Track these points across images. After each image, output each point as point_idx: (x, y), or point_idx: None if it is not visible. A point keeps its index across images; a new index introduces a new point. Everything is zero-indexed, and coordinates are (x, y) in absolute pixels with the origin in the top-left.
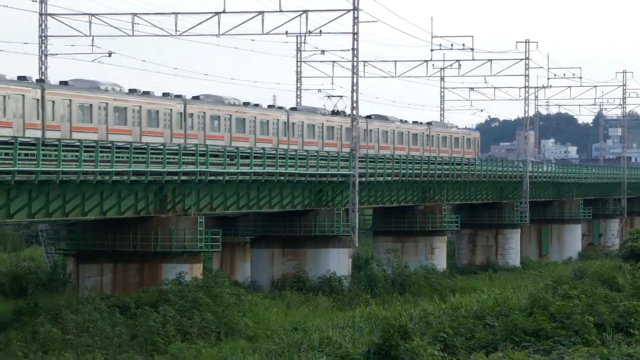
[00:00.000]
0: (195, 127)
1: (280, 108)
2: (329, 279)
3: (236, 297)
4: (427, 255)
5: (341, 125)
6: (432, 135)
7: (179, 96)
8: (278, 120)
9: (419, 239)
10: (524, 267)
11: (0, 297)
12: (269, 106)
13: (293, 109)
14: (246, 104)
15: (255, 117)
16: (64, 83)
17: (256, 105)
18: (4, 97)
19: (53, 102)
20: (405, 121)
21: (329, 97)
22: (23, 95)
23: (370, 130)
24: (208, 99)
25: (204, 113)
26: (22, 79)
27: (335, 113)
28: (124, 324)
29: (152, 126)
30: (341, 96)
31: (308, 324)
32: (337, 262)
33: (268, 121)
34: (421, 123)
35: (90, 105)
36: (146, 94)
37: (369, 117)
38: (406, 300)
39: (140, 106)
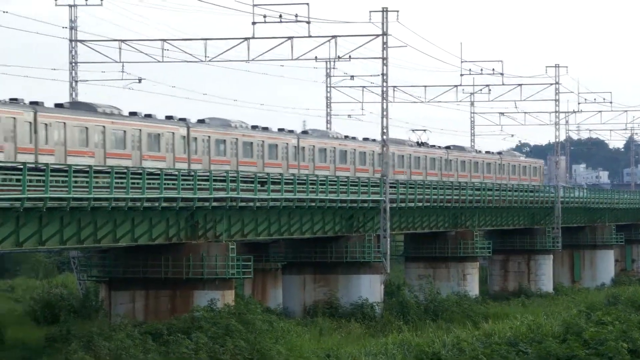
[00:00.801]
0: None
1: (291, 131)
2: (361, 305)
3: (268, 323)
4: (459, 282)
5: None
6: (504, 164)
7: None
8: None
9: (450, 264)
10: (556, 293)
11: (33, 324)
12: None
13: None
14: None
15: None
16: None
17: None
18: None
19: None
20: (480, 151)
21: (413, 130)
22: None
23: (451, 160)
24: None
25: (209, 137)
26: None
27: (420, 144)
28: (157, 350)
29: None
30: (425, 129)
31: (340, 351)
32: (369, 288)
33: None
34: (493, 153)
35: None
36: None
37: (448, 147)
38: (439, 326)
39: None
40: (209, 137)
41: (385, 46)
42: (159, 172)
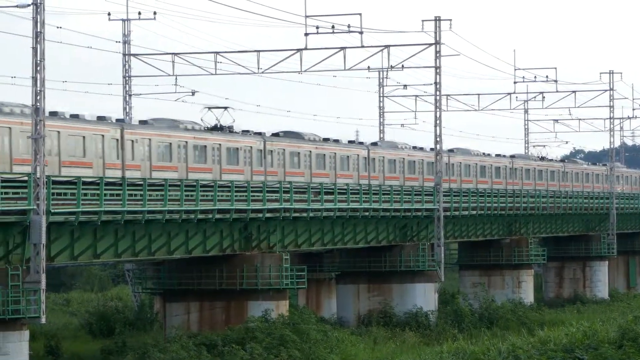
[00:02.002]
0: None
1: (361, 143)
2: (415, 314)
3: (323, 333)
4: (513, 289)
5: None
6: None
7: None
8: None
9: (505, 272)
10: (612, 300)
11: (88, 336)
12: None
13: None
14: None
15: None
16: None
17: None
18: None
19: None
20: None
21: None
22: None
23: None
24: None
25: (284, 150)
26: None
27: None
28: None
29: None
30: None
31: None
32: (423, 297)
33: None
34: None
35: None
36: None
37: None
38: (494, 334)
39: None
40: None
41: (438, 55)
42: (212, 183)
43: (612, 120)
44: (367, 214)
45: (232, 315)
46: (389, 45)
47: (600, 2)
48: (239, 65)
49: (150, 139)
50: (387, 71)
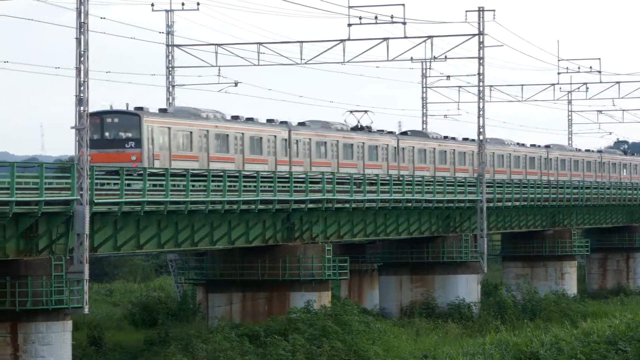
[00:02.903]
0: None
1: (390, 132)
2: (458, 305)
3: (365, 324)
4: (557, 280)
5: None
6: (604, 162)
7: (284, 122)
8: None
9: (548, 263)
10: None
11: (132, 327)
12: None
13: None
14: (354, 128)
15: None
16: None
17: (363, 128)
18: None
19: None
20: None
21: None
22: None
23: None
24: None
25: (310, 139)
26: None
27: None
28: (254, 352)
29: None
30: (366, 111)
31: (438, 351)
32: (466, 288)
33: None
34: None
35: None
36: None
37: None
38: (537, 326)
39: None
40: (310, 139)
41: (481, 46)
42: (255, 174)
43: None
44: (410, 204)
45: (274, 306)
46: (432, 36)
47: None
48: (282, 56)
49: (310, 139)
50: (430, 62)
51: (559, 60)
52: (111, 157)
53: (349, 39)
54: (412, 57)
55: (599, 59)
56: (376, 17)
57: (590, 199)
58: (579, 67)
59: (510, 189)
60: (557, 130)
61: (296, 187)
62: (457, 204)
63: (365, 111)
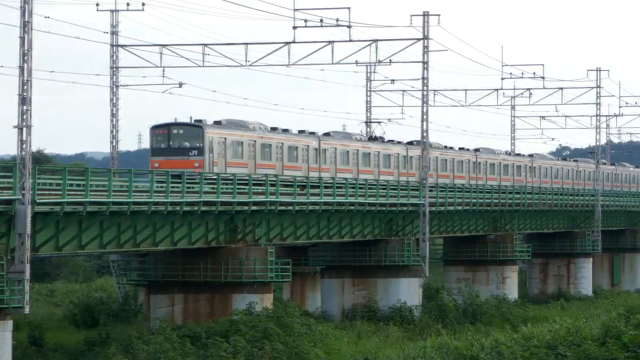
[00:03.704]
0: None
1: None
2: (399, 308)
3: (307, 327)
4: (498, 285)
5: (398, 153)
6: (534, 167)
7: (312, 133)
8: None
9: (490, 268)
10: (596, 297)
11: (72, 327)
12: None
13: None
14: (372, 138)
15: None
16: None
17: (376, 139)
18: None
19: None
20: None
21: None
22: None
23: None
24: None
25: (335, 148)
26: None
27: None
28: (195, 354)
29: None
30: (380, 122)
31: (379, 354)
32: (408, 292)
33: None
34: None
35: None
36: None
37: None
38: (477, 330)
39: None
40: (336, 148)
41: (426, 50)
42: (197, 175)
43: (598, 118)
44: (353, 208)
45: (216, 308)
46: (377, 40)
47: (589, 0)
48: (227, 57)
49: (336, 148)
50: (374, 65)
51: (502, 66)
52: (176, 164)
53: (294, 42)
54: (356, 61)
55: (543, 65)
56: (321, 20)
57: (532, 205)
58: (522, 73)
59: (452, 193)
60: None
61: (240, 189)
62: (400, 208)
63: (379, 122)
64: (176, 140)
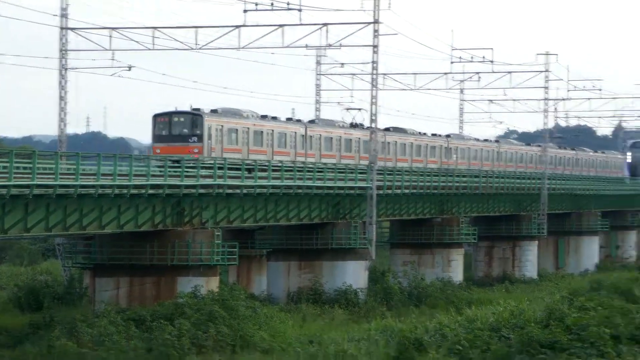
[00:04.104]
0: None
1: (299, 121)
2: (345, 291)
3: (252, 310)
4: (443, 268)
5: (359, 138)
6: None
7: (299, 120)
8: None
9: (435, 251)
10: (540, 279)
11: (17, 310)
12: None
13: (311, 121)
14: (353, 125)
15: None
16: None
17: (357, 125)
18: None
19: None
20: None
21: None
22: None
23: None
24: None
25: (320, 135)
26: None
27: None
28: (140, 337)
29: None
30: (360, 109)
31: (324, 337)
32: (354, 275)
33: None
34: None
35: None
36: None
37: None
38: (422, 312)
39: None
40: (320, 135)
41: (376, 34)
42: (144, 158)
43: (546, 102)
44: (300, 191)
45: (162, 291)
46: (328, 24)
47: None
48: (177, 40)
49: (321, 135)
50: (324, 49)
51: (452, 50)
52: (177, 150)
53: (244, 25)
54: (307, 44)
55: (492, 49)
56: (272, 4)
57: (479, 188)
58: (471, 57)
59: (400, 176)
60: (449, 119)
61: (187, 172)
62: (347, 191)
63: (360, 109)
64: (177, 127)
